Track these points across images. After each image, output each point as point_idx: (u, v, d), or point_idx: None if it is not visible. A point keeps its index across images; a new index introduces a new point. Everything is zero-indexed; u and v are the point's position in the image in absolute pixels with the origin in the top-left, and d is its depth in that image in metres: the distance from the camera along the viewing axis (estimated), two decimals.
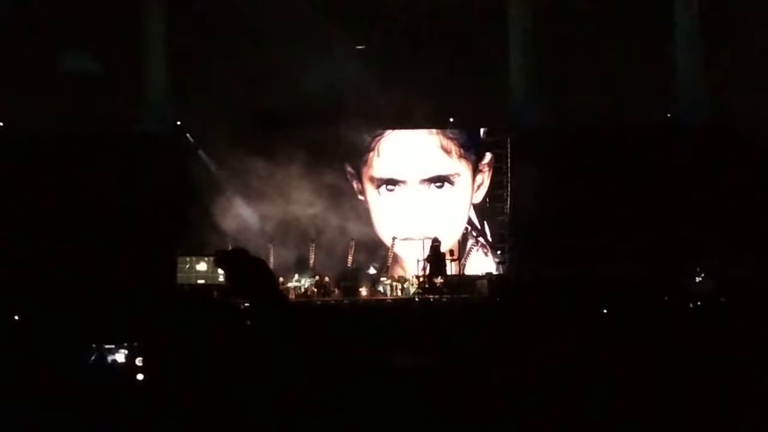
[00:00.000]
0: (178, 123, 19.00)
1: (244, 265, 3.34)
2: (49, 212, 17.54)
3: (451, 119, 19.19)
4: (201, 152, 19.07)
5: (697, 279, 16.28)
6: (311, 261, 18.48)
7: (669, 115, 18.93)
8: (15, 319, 7.43)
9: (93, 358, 5.04)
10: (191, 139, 19.11)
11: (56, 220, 17.47)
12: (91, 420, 4.45)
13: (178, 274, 17.57)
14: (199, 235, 17.56)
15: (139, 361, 4.72)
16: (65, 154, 17.93)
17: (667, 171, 17.80)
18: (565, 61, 18.53)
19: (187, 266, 17.63)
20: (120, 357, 4.98)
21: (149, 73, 19.15)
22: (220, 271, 3.37)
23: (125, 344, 4.96)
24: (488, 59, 19.09)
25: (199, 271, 17.54)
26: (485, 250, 19.38)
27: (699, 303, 14.57)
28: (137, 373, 4.72)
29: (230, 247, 4.20)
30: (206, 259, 17.33)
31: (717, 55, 18.42)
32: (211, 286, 16.15)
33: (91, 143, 18.07)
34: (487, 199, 19.30)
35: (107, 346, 5.00)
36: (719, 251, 16.55)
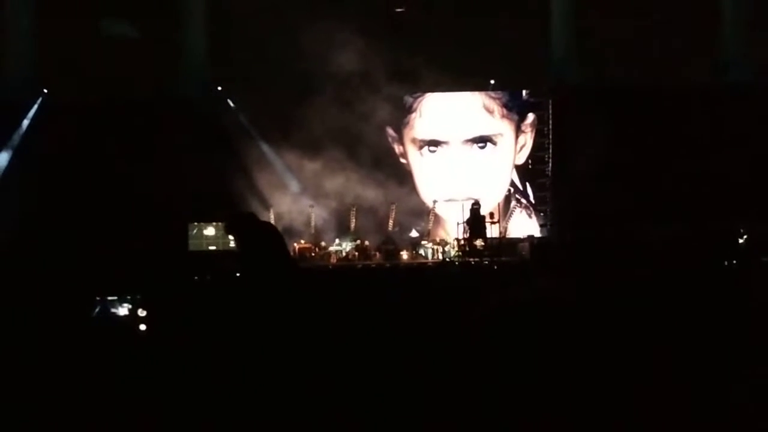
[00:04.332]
0: (219, 88, 19.29)
1: (254, 231, 3.49)
2: (89, 176, 18.01)
3: (492, 81, 19.27)
4: (241, 117, 19.37)
5: (740, 240, 16.24)
6: (352, 225, 18.78)
7: (721, 73, 18.74)
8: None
9: (97, 310, 5.35)
10: (231, 105, 19.42)
11: (95, 185, 17.93)
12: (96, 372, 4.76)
13: (190, 241, 17.92)
14: (239, 200, 17.94)
15: (141, 313, 5.03)
16: (105, 120, 18.36)
17: (710, 130, 17.72)
18: (606, 19, 18.47)
19: (195, 231, 17.99)
20: (123, 310, 5.28)
21: (189, 38, 19.46)
22: (231, 236, 3.50)
23: (128, 297, 5.24)
24: (529, 19, 19.07)
25: (208, 237, 17.89)
26: (528, 212, 19.52)
27: (743, 263, 14.57)
28: (140, 325, 5.04)
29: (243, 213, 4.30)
30: (214, 224, 17.66)
31: (763, 12, 18.21)
32: (221, 253, 16.46)
33: (132, 108, 18.48)
34: (530, 161, 19.41)
35: (110, 299, 5.28)
36: (763, 211, 16.52)
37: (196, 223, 18.05)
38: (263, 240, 3.58)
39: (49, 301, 5.28)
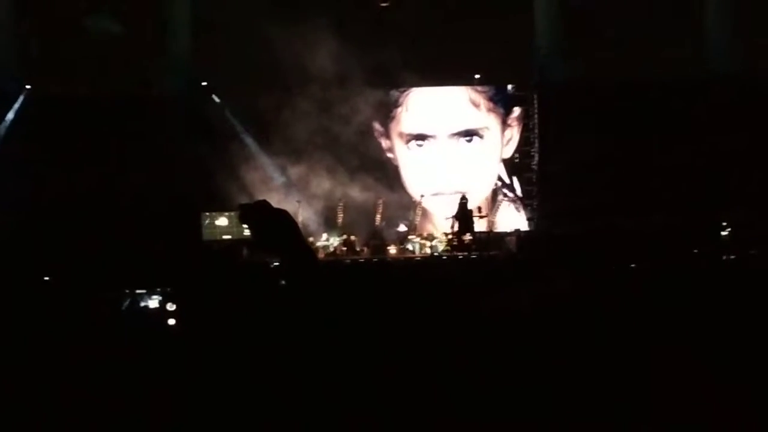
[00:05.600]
0: (204, 84, 19.27)
1: (268, 218, 3.44)
2: (74, 173, 17.97)
3: (477, 76, 19.38)
4: (227, 113, 19.36)
5: (723, 233, 16.45)
6: (339, 220, 18.82)
7: (702, 67, 18.95)
8: (45, 280, 7.80)
9: (126, 303, 5.37)
10: (217, 100, 19.40)
11: (81, 182, 17.90)
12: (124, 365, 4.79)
13: (203, 231, 17.98)
14: (227, 196, 17.93)
15: (170, 307, 5.05)
16: (90, 116, 18.31)
17: (695, 124, 17.94)
18: (591, 14, 18.64)
19: (207, 221, 18.04)
20: (153, 303, 5.31)
21: (174, 34, 19.43)
22: (245, 225, 3.48)
23: (158, 290, 5.25)
24: (514, 14, 19.19)
25: (222, 227, 17.98)
26: (516, 206, 19.66)
27: (732, 257, 14.75)
28: (168, 319, 5.06)
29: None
30: (227, 214, 17.75)
31: (748, 4, 18.45)
32: (238, 242, 16.52)
33: (117, 104, 18.44)
34: (516, 155, 19.56)
35: (139, 292, 5.30)
36: (747, 204, 16.73)
37: (208, 213, 18.09)
38: (279, 228, 3.48)
39: (72, 295, 5.31)
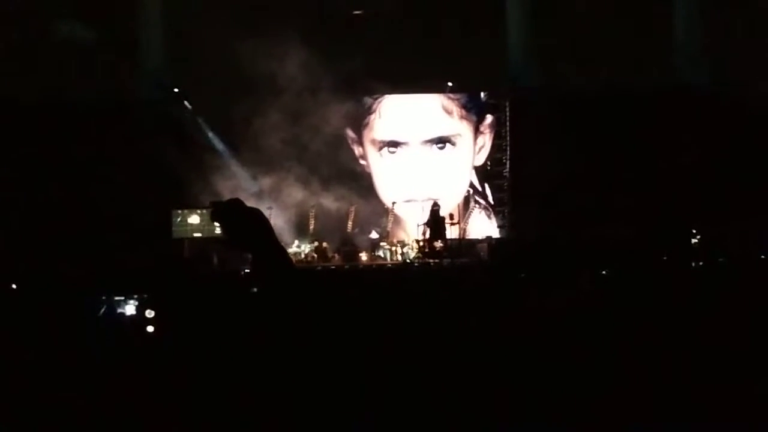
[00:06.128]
0: (176, 90, 19.18)
1: (240, 217, 3.41)
2: (46, 180, 17.86)
3: (450, 83, 19.42)
4: (200, 119, 19.28)
5: (693, 240, 16.59)
6: (311, 227, 18.80)
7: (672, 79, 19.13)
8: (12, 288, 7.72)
9: (103, 310, 5.32)
10: (189, 106, 19.31)
11: (53, 188, 17.79)
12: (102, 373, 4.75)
13: (173, 229, 17.85)
14: (198, 203, 17.87)
15: (149, 314, 5.00)
16: (63, 123, 18.18)
17: (667, 132, 18.08)
18: (563, 23, 18.77)
19: (179, 219, 17.89)
20: (130, 309, 5.25)
21: (146, 40, 19.34)
22: (217, 223, 3.44)
23: (135, 296, 5.20)
24: (487, 22, 19.28)
25: (192, 225, 17.83)
26: (488, 213, 19.73)
27: (701, 263, 14.87)
28: (147, 326, 5.01)
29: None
30: (199, 211, 17.62)
31: (716, 17, 18.64)
32: (208, 241, 16.42)
33: (90, 111, 18.33)
34: (488, 162, 19.63)
35: (117, 298, 5.25)
36: (715, 213, 16.89)
37: (180, 211, 17.92)
38: (251, 226, 3.45)
39: (51, 300, 5.26)
